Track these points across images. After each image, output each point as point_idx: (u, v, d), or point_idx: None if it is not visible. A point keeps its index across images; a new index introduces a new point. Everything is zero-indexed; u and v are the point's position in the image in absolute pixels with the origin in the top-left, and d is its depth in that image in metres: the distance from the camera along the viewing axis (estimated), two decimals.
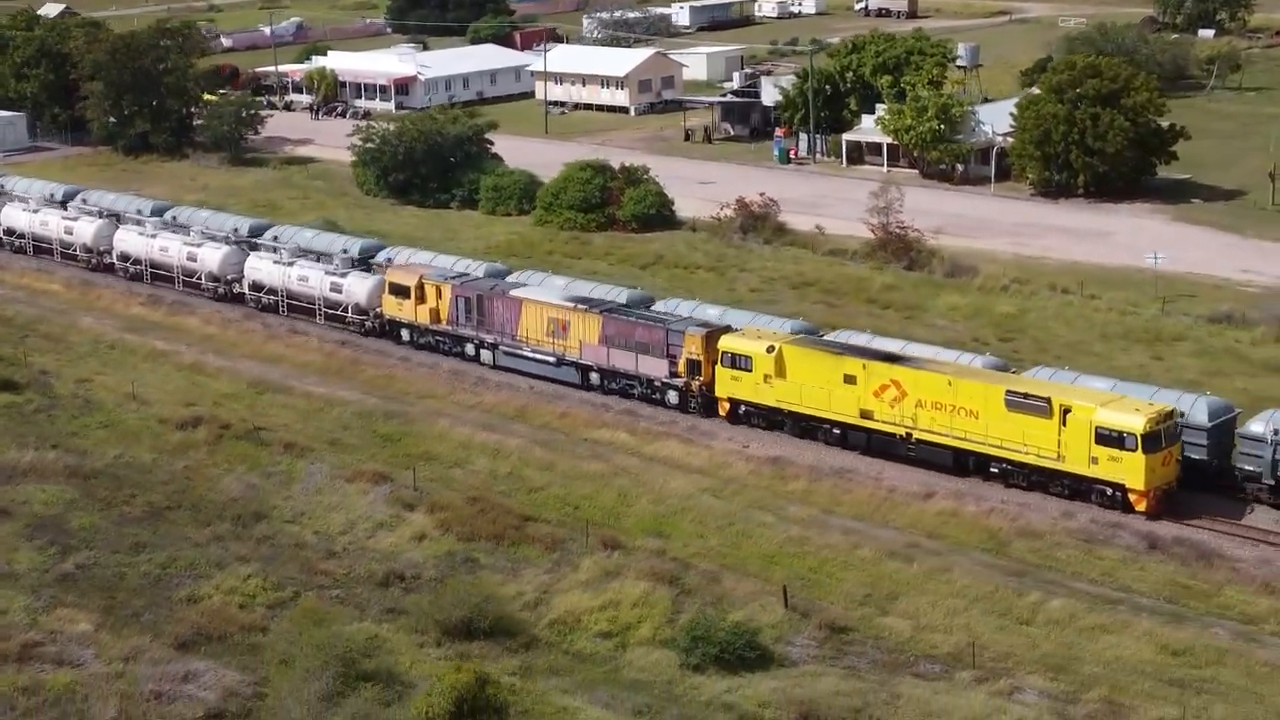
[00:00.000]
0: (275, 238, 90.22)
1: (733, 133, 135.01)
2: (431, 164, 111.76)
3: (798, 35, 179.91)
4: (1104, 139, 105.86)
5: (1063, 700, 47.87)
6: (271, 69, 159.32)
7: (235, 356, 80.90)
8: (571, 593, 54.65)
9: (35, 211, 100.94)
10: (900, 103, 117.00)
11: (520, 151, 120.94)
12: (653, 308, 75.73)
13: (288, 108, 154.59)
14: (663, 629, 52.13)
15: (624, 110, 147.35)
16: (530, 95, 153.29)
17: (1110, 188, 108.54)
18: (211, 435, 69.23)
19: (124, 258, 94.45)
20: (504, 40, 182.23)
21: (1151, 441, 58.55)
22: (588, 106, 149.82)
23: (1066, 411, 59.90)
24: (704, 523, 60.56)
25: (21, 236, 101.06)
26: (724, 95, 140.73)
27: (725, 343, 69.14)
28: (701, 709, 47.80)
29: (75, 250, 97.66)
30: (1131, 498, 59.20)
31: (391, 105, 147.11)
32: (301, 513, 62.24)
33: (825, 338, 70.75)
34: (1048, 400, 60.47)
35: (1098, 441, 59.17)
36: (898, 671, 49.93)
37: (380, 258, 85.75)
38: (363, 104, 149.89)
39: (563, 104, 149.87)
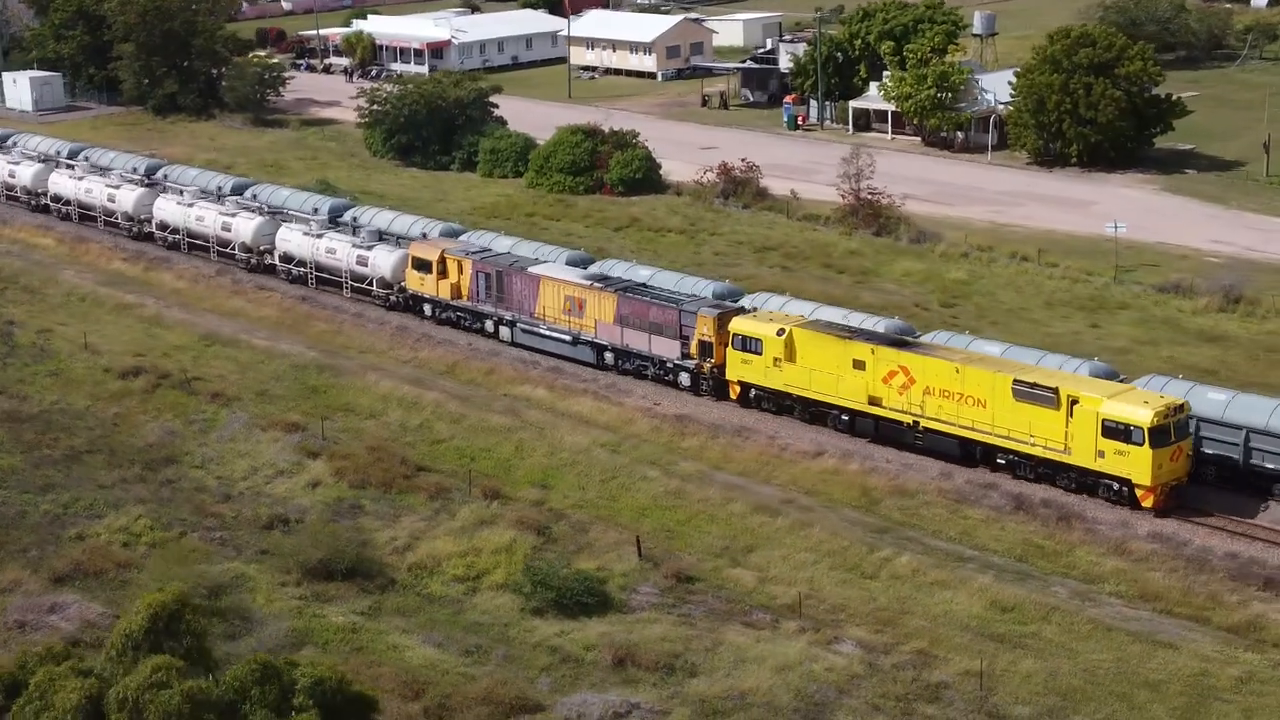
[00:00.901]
0: (254, 196, 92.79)
1: (751, 99, 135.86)
2: (434, 127, 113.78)
3: (843, 3, 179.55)
4: (1096, 109, 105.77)
5: (878, 651, 49.08)
6: (315, 32, 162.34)
7: (198, 310, 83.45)
8: (440, 539, 56.61)
9: (80, 179, 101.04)
10: (903, 70, 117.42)
11: (535, 116, 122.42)
12: (590, 267, 77.24)
13: (327, 70, 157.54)
14: (515, 575, 53.89)
15: (652, 76, 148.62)
16: (565, 60, 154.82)
17: (1105, 157, 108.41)
18: (148, 384, 71.82)
19: (162, 226, 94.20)
20: (555, 6, 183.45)
21: (1159, 435, 56.74)
22: (618, 72, 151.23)
23: (1074, 403, 58.16)
24: (589, 475, 62.22)
25: (68, 203, 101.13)
26: (743, 62, 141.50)
27: (736, 325, 67.28)
28: (529, 650, 49.59)
29: (118, 218, 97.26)
30: (1138, 493, 57.61)
31: (426, 69, 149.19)
32: (211, 459, 64.66)
33: (744, 300, 71.91)
34: (1055, 390, 58.65)
35: (1104, 434, 57.39)
36: (729, 620, 51.36)
37: (346, 217, 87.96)
38: (398, 67, 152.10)
39: (593, 69, 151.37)
